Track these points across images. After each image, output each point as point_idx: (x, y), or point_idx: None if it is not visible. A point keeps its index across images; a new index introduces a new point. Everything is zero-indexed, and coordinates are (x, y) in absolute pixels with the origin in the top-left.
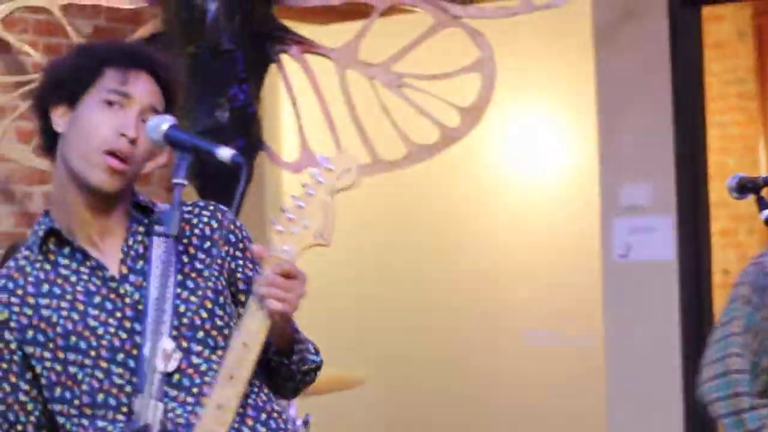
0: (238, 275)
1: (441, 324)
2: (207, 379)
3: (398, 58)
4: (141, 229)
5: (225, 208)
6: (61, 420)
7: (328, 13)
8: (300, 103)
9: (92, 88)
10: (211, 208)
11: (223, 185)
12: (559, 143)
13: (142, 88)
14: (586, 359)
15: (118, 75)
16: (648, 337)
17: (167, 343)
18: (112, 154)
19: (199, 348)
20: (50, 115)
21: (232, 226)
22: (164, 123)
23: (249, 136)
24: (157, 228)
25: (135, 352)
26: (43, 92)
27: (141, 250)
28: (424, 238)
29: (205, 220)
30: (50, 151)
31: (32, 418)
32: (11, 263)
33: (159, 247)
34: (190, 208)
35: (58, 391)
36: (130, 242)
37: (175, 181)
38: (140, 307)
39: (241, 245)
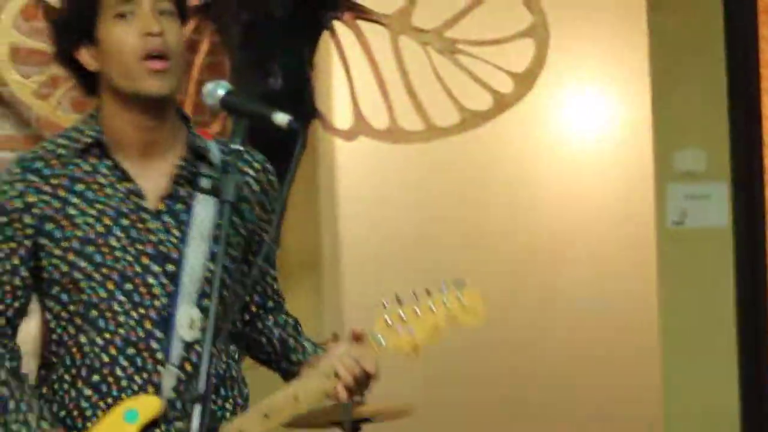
0: (256, 237)
1: (494, 291)
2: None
3: (451, 24)
4: (188, 170)
5: (270, 167)
6: (48, 316)
7: None
8: (353, 69)
9: (99, 16)
10: (257, 166)
11: (274, 153)
12: (612, 108)
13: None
14: (639, 327)
15: None
16: (702, 303)
17: (195, 312)
18: (148, 57)
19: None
20: (79, 61)
21: (270, 189)
22: (220, 88)
23: (302, 103)
24: (204, 184)
25: (142, 289)
26: (60, 44)
27: (182, 194)
28: (475, 204)
29: (250, 179)
30: (95, 93)
31: (16, 304)
32: (48, 146)
33: (201, 203)
34: (237, 157)
35: (56, 289)
36: (176, 181)
37: (231, 146)
38: (162, 248)
39: (269, 207)
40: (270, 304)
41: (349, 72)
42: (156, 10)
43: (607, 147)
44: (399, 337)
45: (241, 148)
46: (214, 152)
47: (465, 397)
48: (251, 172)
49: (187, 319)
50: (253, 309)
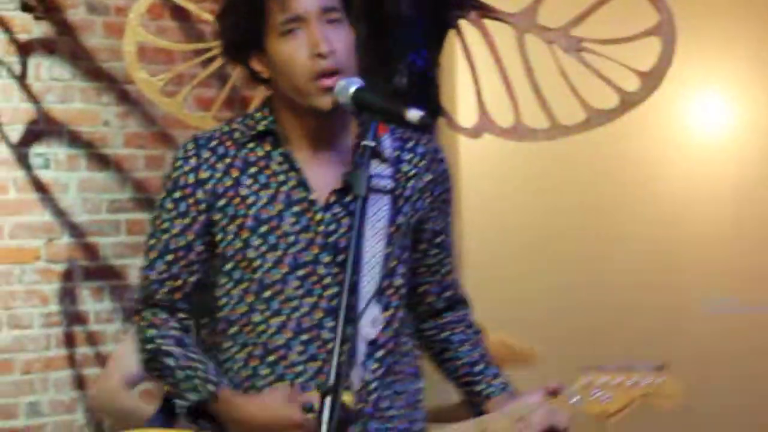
0: (427, 225)
1: (615, 291)
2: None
3: (577, 22)
4: (358, 165)
5: (442, 156)
6: (218, 293)
7: None
8: (478, 68)
9: (265, 29)
10: (430, 156)
11: None
12: (738, 101)
13: (313, 5)
14: None
15: (278, 3)
16: None
17: (377, 310)
18: (320, 76)
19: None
20: (252, 68)
21: (441, 178)
22: (352, 85)
23: (427, 101)
24: (373, 184)
25: (313, 278)
26: (231, 53)
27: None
28: (597, 202)
29: (423, 169)
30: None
31: (192, 279)
32: (225, 128)
33: (375, 204)
34: (409, 158)
35: (229, 266)
36: (346, 175)
37: (363, 143)
38: (330, 240)
39: (442, 197)
40: (447, 294)
41: (474, 70)
42: (323, 21)
43: (731, 139)
44: (595, 401)
45: (372, 144)
46: (387, 145)
47: None
48: (422, 162)
49: (370, 317)
50: (429, 300)
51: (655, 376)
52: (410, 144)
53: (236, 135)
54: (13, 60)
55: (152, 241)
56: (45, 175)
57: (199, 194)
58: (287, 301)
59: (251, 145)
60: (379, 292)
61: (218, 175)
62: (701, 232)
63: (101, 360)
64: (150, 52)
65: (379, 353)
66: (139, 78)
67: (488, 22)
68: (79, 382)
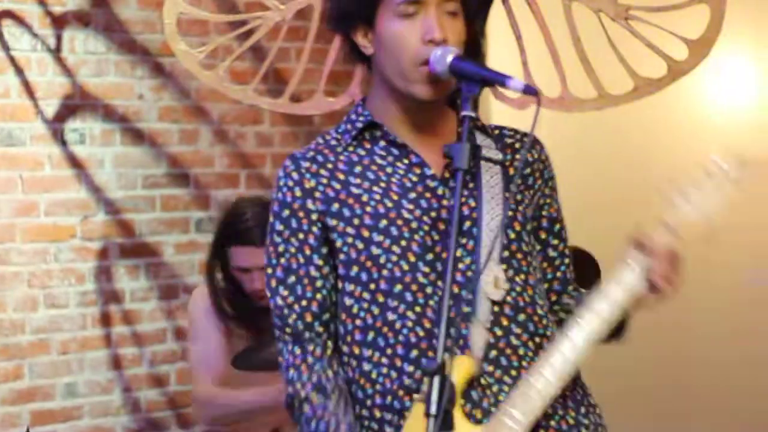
0: (544, 212)
1: None
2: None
3: None
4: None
5: (540, 142)
6: (349, 302)
7: None
8: (524, 37)
9: (382, 6)
10: (531, 138)
11: None
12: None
13: None
14: None
15: None
16: None
17: (499, 271)
18: (427, 63)
19: (504, 267)
20: (354, 40)
21: (546, 162)
22: (449, 54)
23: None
24: (486, 153)
25: (444, 255)
26: (337, 21)
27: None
28: (641, 172)
29: (528, 145)
30: (363, 62)
31: (318, 297)
32: (320, 140)
33: (487, 171)
34: (511, 134)
35: (354, 270)
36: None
37: (463, 113)
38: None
39: (550, 183)
40: (570, 289)
41: (520, 40)
42: (442, 10)
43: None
44: (688, 215)
45: (473, 114)
46: (486, 127)
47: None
48: (525, 139)
49: (492, 278)
50: (555, 285)
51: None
52: (507, 127)
53: (333, 143)
54: (48, 33)
55: (268, 272)
56: (80, 151)
57: (309, 204)
58: (421, 289)
59: (351, 147)
60: (503, 255)
61: (324, 180)
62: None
63: (137, 339)
64: (184, 24)
65: (506, 314)
66: (179, 50)
67: None
68: (115, 362)
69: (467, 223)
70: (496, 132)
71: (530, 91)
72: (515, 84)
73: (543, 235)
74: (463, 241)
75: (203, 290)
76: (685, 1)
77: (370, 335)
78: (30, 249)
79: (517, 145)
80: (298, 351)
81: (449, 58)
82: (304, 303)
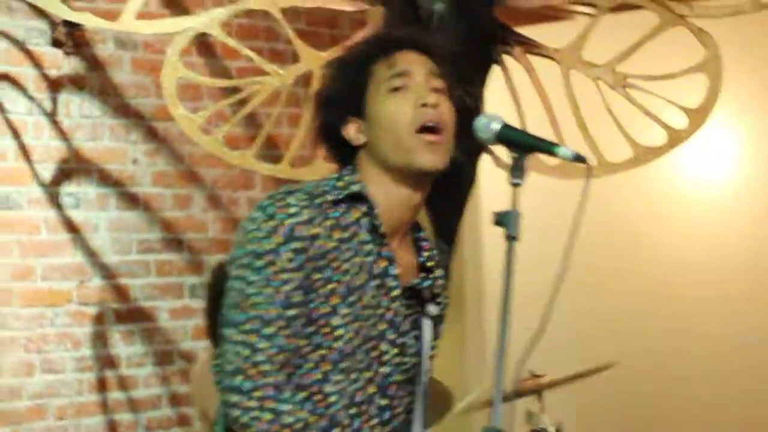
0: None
1: (647, 324)
2: None
3: (623, 59)
4: (429, 269)
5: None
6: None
7: (543, 15)
8: (523, 103)
9: (370, 91)
10: (437, 256)
11: (443, 190)
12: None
13: (414, 60)
14: None
15: (385, 64)
16: None
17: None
18: (423, 130)
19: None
20: (343, 136)
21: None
22: (495, 122)
23: (473, 138)
24: (431, 311)
25: (374, 353)
26: (327, 118)
27: (416, 286)
28: (626, 233)
29: (444, 306)
30: (344, 162)
31: (337, 345)
32: (318, 188)
33: (432, 306)
34: (430, 257)
35: (311, 329)
36: (417, 270)
37: (513, 181)
38: (396, 318)
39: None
40: None
41: (519, 106)
42: (428, 71)
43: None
44: None
45: (521, 182)
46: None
47: None
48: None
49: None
50: None
51: None
52: (427, 244)
53: (329, 197)
54: (44, 96)
55: (265, 293)
56: (76, 215)
57: (312, 251)
58: (350, 372)
59: (341, 209)
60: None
61: (325, 233)
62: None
63: (133, 405)
64: (177, 89)
65: None
66: (179, 115)
67: (533, 58)
68: (111, 429)
69: (399, 338)
70: (425, 256)
71: (580, 158)
72: (564, 152)
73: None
74: (394, 350)
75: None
76: (683, 70)
77: (301, 394)
78: (27, 314)
79: (438, 300)
80: (286, 378)
81: (496, 125)
82: (300, 343)
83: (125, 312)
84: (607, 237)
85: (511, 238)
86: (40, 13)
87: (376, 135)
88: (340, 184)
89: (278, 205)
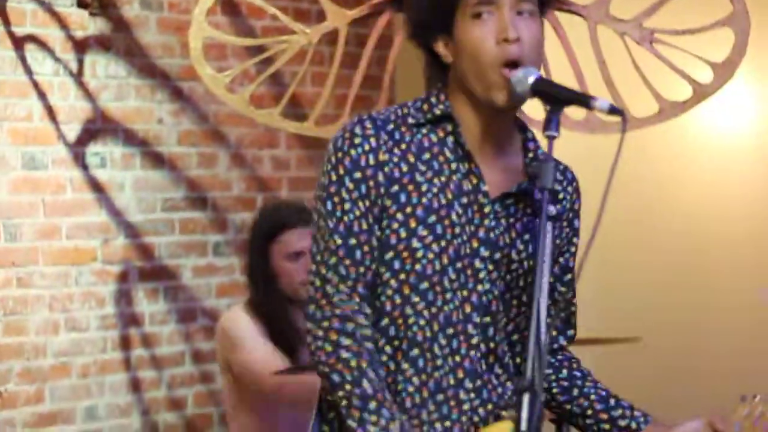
0: (561, 259)
1: (671, 278)
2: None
3: (650, 14)
4: (529, 162)
5: (577, 181)
6: (378, 286)
7: None
8: (549, 59)
9: (459, 10)
10: (576, 184)
11: None
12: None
13: None
14: None
15: None
16: None
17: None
18: (505, 65)
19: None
20: (435, 50)
21: (578, 211)
22: (530, 75)
23: None
24: (550, 211)
25: (469, 271)
26: (418, 35)
27: (524, 186)
28: (649, 187)
29: (569, 194)
30: (441, 79)
31: (373, 267)
32: (398, 112)
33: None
34: (560, 178)
35: (389, 255)
36: (522, 174)
37: (547, 133)
38: (491, 234)
39: (576, 234)
40: (570, 332)
41: (546, 62)
42: (515, 10)
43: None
44: (753, 429)
45: (556, 134)
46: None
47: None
48: (569, 187)
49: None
50: (557, 323)
51: None
52: (560, 166)
53: (410, 120)
54: (70, 57)
55: (330, 224)
56: (101, 175)
57: (380, 177)
58: (443, 293)
59: (425, 130)
60: (549, 307)
61: (396, 159)
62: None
63: (156, 363)
64: (204, 48)
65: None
66: (206, 74)
67: (559, 14)
68: (134, 386)
69: (497, 252)
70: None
71: (616, 110)
72: (601, 104)
73: (551, 279)
74: (490, 267)
75: (239, 310)
76: (710, 24)
77: (384, 321)
78: (52, 272)
79: (561, 196)
80: (355, 307)
81: (531, 79)
82: (362, 270)
83: (149, 270)
84: (632, 189)
85: (546, 190)
86: None
87: (461, 60)
88: (424, 106)
89: (345, 135)
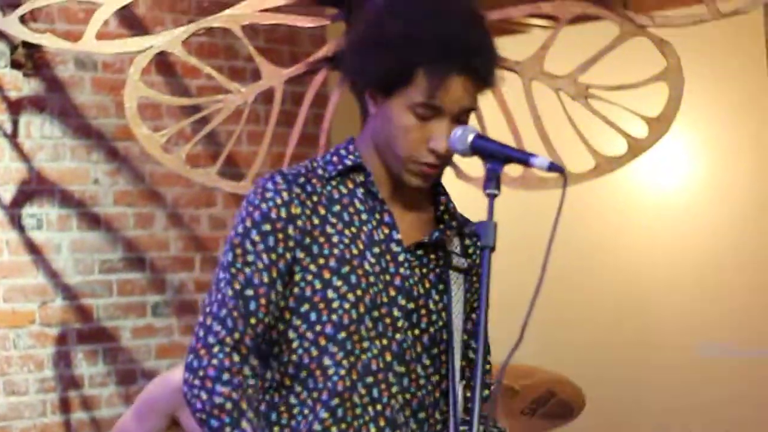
0: (473, 315)
1: (610, 336)
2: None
3: (584, 69)
4: (445, 221)
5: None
6: (292, 335)
7: (502, 28)
8: (484, 116)
9: (403, 90)
10: (476, 237)
11: None
12: (735, 152)
13: (454, 96)
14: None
15: (431, 84)
16: None
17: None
18: (425, 164)
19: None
20: (364, 94)
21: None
22: (469, 134)
23: None
24: (458, 263)
25: (387, 320)
26: (357, 73)
27: (436, 236)
28: (585, 245)
29: (476, 248)
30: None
31: (266, 320)
32: (308, 166)
33: (455, 282)
34: (470, 235)
35: (305, 307)
36: (433, 225)
37: (488, 191)
38: (406, 284)
39: (478, 286)
40: (485, 393)
41: (481, 119)
42: (458, 111)
43: (729, 186)
44: None
45: (497, 192)
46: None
47: None
48: (474, 241)
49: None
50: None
51: None
52: (469, 223)
53: (320, 172)
54: (4, 118)
55: (227, 275)
56: (37, 236)
57: (290, 230)
58: (360, 342)
59: (334, 182)
60: (462, 369)
61: (308, 212)
62: (694, 271)
63: (96, 425)
64: (138, 108)
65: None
66: (141, 134)
67: None
68: None
69: (411, 302)
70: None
71: (556, 168)
72: (541, 162)
73: (465, 337)
74: (406, 316)
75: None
76: (644, 79)
77: (302, 373)
78: None
79: (471, 251)
80: (236, 359)
81: (470, 138)
82: (252, 321)
83: (88, 332)
84: (569, 247)
85: (488, 249)
86: None
87: (381, 124)
88: (334, 159)
89: (257, 190)
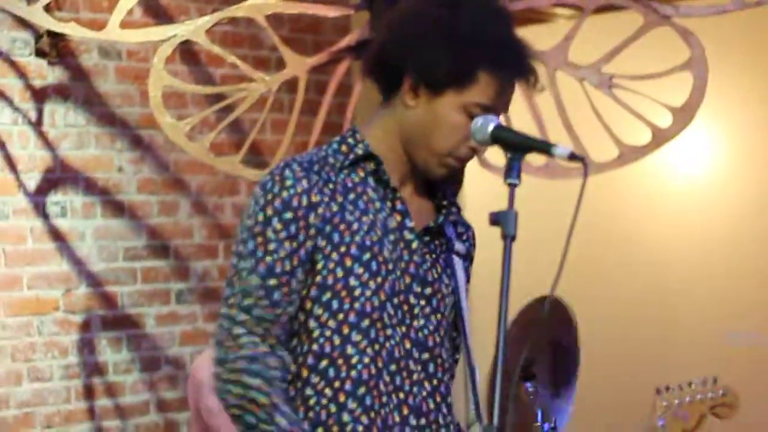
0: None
1: (638, 326)
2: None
3: (608, 59)
4: (453, 210)
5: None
6: (312, 325)
7: (527, 18)
8: (510, 106)
9: (459, 89)
10: (472, 231)
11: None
12: (758, 141)
13: (508, 98)
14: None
15: (491, 88)
16: None
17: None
18: (457, 159)
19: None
20: (404, 82)
21: (473, 256)
22: (490, 123)
23: None
24: (458, 248)
25: (405, 306)
26: (404, 60)
27: (440, 221)
28: (609, 235)
29: (470, 238)
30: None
31: (290, 310)
32: (319, 154)
33: (459, 243)
34: (463, 227)
35: (327, 295)
36: (442, 213)
37: (509, 181)
38: (420, 270)
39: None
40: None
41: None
42: (502, 111)
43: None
44: (677, 421)
45: (517, 182)
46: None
47: None
48: (469, 232)
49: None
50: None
51: (714, 388)
52: (456, 209)
53: (331, 161)
54: (29, 107)
55: (249, 264)
56: (62, 224)
57: (311, 218)
58: (383, 329)
59: (346, 171)
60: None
61: (326, 199)
62: (726, 261)
63: (120, 412)
64: (163, 97)
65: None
66: (165, 122)
67: None
68: None
69: (427, 288)
70: (453, 219)
71: (577, 156)
72: (562, 151)
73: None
74: (422, 302)
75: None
76: (669, 68)
77: (323, 363)
78: (14, 323)
79: (464, 237)
80: (266, 349)
81: (491, 127)
82: (278, 311)
83: (112, 319)
84: (594, 237)
85: (509, 238)
86: (24, 23)
87: (423, 118)
88: (343, 148)
89: (275, 178)
